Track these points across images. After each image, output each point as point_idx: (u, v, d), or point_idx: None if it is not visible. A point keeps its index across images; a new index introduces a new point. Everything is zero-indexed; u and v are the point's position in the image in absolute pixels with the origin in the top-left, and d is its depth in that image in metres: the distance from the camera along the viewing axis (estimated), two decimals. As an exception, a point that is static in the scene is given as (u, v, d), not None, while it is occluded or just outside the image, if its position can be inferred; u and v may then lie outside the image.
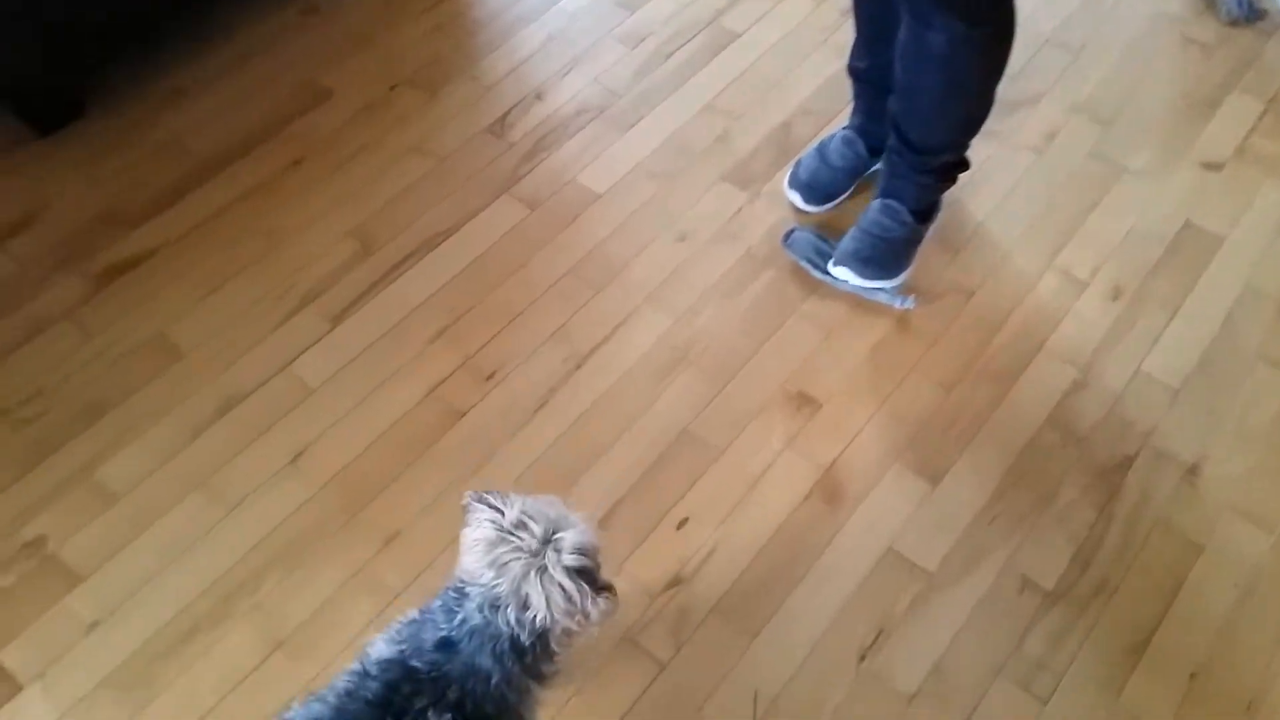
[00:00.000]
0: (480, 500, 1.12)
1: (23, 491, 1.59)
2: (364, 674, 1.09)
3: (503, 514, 1.10)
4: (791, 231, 1.83)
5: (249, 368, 1.72)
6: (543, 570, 1.06)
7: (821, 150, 1.90)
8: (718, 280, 1.82)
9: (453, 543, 1.51)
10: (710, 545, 1.53)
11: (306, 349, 1.74)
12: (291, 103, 2.07)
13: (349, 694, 1.08)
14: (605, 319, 1.77)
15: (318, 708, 1.08)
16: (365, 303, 1.79)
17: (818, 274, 1.79)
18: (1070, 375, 1.69)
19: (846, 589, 1.49)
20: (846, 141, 1.89)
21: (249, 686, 1.42)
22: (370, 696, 1.07)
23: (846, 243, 1.77)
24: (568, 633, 1.11)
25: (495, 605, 1.08)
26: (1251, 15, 2.19)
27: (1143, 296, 1.78)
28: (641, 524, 1.55)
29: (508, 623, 1.08)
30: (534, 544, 1.08)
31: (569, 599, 1.06)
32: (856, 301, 1.78)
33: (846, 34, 2.13)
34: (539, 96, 2.08)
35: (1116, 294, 1.79)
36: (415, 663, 1.09)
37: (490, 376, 1.71)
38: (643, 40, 2.18)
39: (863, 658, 1.43)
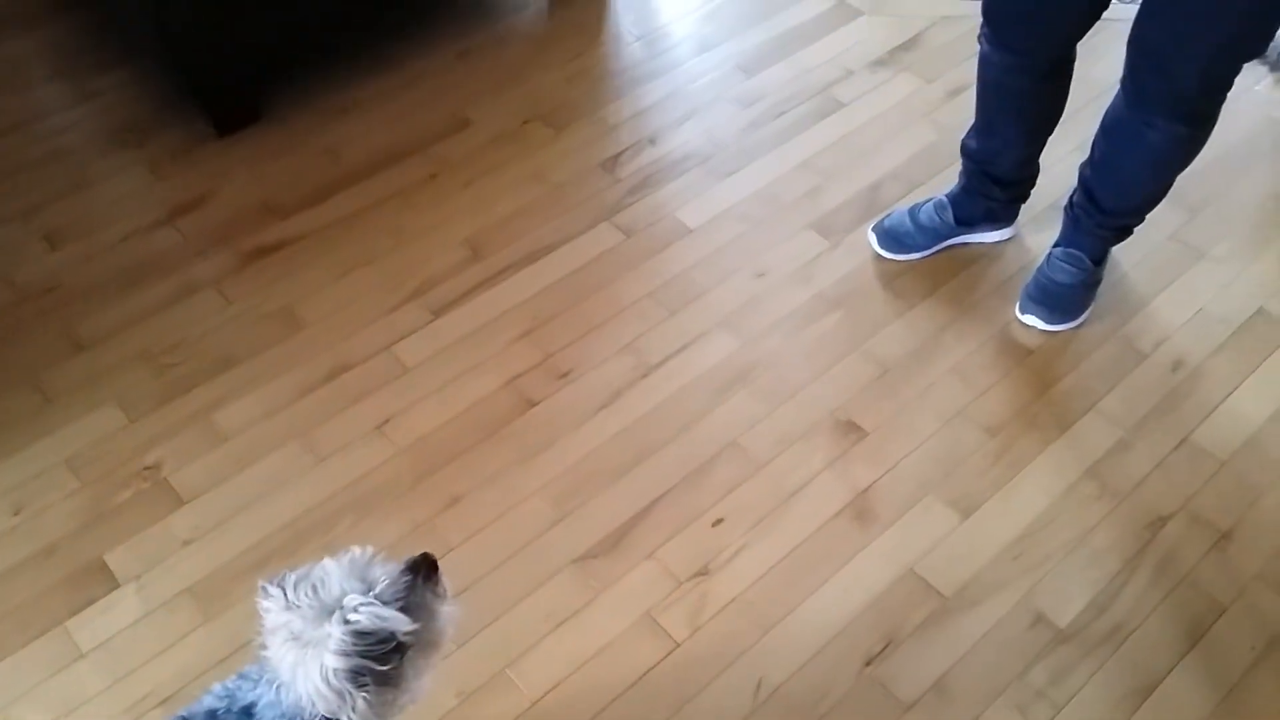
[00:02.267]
0: (265, 588, 1.06)
1: (152, 423, 1.82)
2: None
3: (285, 597, 1.04)
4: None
5: (358, 344, 1.93)
6: (310, 665, 1.02)
7: (913, 209, 2.03)
8: (787, 314, 1.94)
9: (507, 513, 1.69)
10: (740, 545, 1.63)
11: (409, 334, 1.94)
12: (436, 127, 2.33)
13: None
14: (677, 337, 1.91)
15: None
16: (466, 301, 1.99)
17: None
18: (1117, 434, 1.73)
19: (862, 600, 1.56)
20: (938, 207, 2.00)
21: (308, 610, 1.59)
22: None
23: (1033, 291, 1.91)
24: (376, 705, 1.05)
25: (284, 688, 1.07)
26: (1361, 126, 2.21)
27: (1202, 372, 1.81)
28: (679, 518, 1.66)
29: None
30: (306, 630, 1.02)
31: (339, 696, 1.02)
32: (916, 347, 1.87)
33: (948, 112, 2.29)
34: (652, 141, 2.28)
35: (1176, 367, 1.82)
36: None
37: (564, 375, 1.87)
38: (756, 101, 2.36)
39: (868, 663, 1.49)
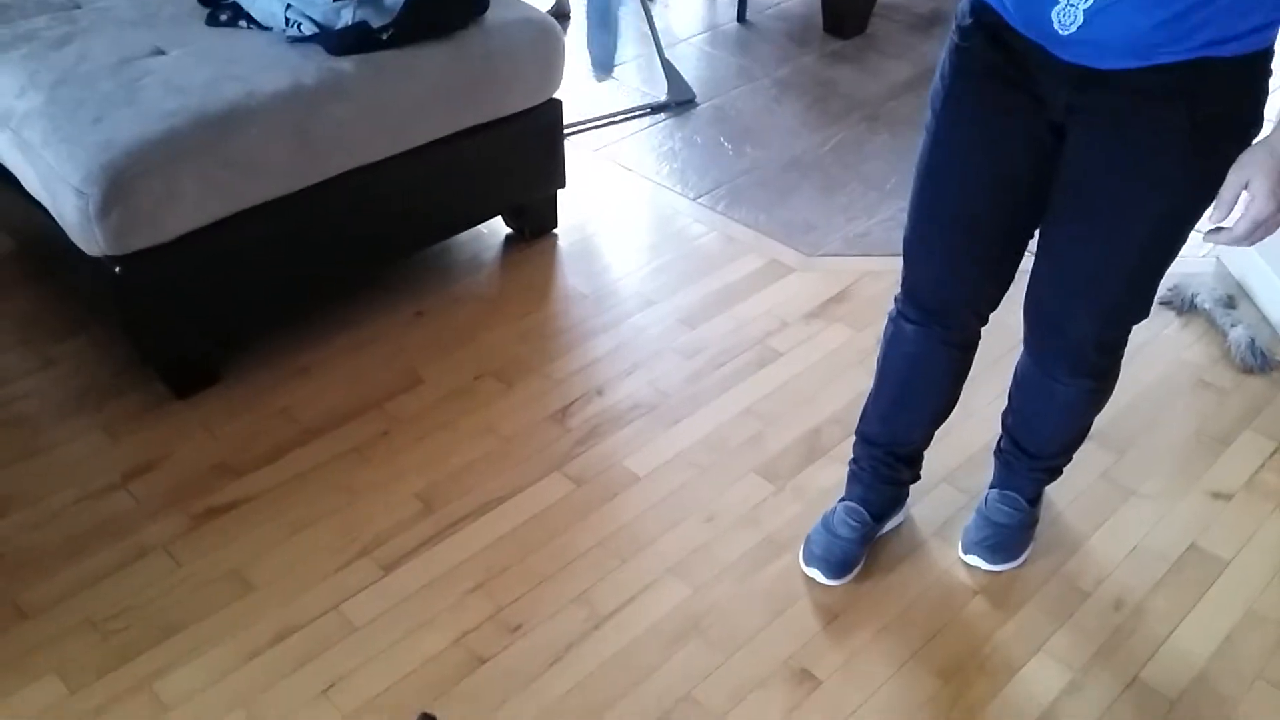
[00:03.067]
0: None
1: (93, 694, 1.77)
2: None
3: None
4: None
5: (306, 604, 1.91)
6: None
7: (826, 523, 1.96)
8: (736, 560, 1.97)
9: (456, 781, 1.63)
10: (697, 808, 1.59)
11: (358, 591, 1.93)
12: (390, 385, 2.40)
13: None
14: (628, 586, 1.93)
15: None
16: (417, 555, 2.00)
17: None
18: (1068, 676, 1.74)
19: None
20: (849, 513, 1.94)
21: None
22: None
23: (973, 533, 1.95)
24: None
25: None
26: (1264, 365, 2.36)
27: (1144, 610, 1.85)
28: (634, 780, 1.62)
29: None
30: None
31: None
32: (864, 589, 1.90)
33: (878, 358, 2.40)
34: (599, 392, 2.37)
35: (1119, 605, 1.86)
36: None
37: (515, 629, 1.86)
38: (698, 353, 2.48)
39: None
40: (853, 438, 2.14)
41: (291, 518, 2.09)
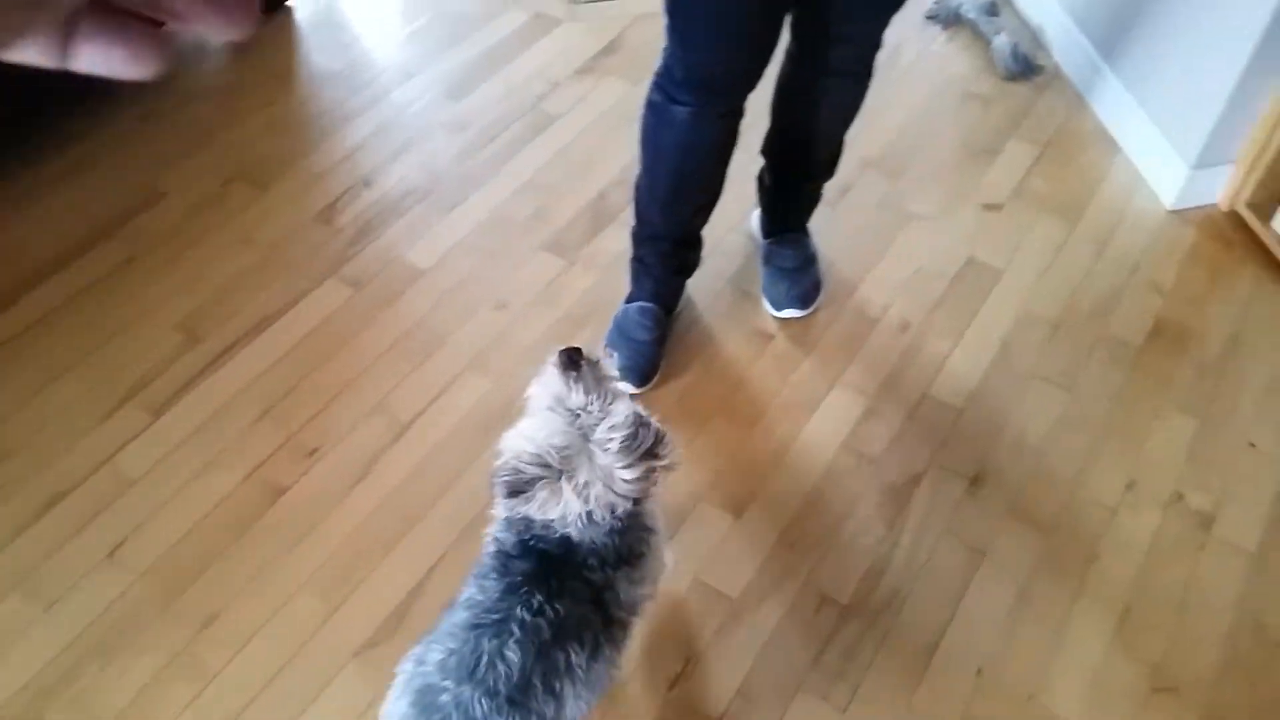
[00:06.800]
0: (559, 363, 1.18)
1: None
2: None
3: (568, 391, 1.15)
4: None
5: (73, 464, 1.74)
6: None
7: (621, 325, 1.86)
8: (536, 342, 1.90)
9: (272, 618, 1.56)
10: (526, 594, 1.58)
11: (129, 441, 1.77)
12: (127, 203, 2.13)
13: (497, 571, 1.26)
14: (426, 388, 1.84)
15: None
16: (188, 392, 1.84)
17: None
18: (863, 404, 1.80)
19: (656, 622, 1.55)
20: (643, 313, 1.84)
21: (66, 776, 1.43)
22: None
23: (778, 290, 1.91)
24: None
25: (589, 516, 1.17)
26: (1026, 70, 2.39)
27: (928, 328, 1.91)
28: (460, 578, 1.60)
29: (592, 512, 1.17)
30: (575, 450, 1.14)
31: (637, 479, 1.14)
32: (668, 350, 1.87)
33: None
34: (367, 183, 2.18)
35: (904, 327, 1.91)
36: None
37: (312, 453, 1.76)
38: (467, 126, 2.30)
39: (672, 686, 1.48)
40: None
41: (38, 370, 1.86)
